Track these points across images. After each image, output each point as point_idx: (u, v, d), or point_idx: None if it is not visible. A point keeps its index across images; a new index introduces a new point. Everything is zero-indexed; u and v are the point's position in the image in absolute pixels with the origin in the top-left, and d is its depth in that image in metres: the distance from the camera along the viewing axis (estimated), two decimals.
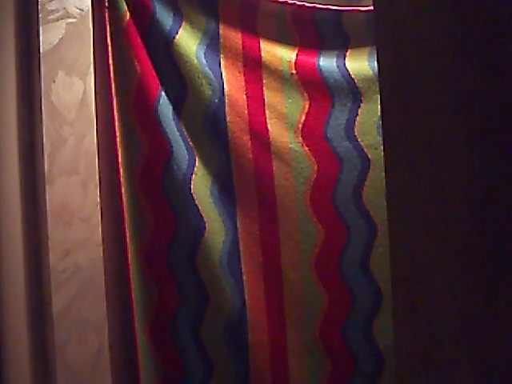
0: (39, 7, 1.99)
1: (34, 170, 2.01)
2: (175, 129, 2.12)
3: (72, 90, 2.04)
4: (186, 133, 2.14)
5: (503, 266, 0.84)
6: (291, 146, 2.25)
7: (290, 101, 2.27)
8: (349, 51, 2.36)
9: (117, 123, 2.06)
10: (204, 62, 2.17)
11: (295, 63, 2.29)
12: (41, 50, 1.99)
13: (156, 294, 2.09)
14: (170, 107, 2.12)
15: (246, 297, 2.17)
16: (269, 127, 2.24)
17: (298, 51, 2.30)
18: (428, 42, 0.94)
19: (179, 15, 2.16)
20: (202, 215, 2.11)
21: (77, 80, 2.05)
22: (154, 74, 2.10)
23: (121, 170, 2.06)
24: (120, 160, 2.06)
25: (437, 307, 0.93)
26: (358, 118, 2.33)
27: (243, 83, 2.23)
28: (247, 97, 2.23)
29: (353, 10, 2.38)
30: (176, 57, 2.13)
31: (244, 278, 2.18)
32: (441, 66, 0.92)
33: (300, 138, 2.26)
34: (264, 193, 2.23)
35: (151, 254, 2.09)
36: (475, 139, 0.87)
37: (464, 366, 0.89)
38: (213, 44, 2.20)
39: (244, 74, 2.24)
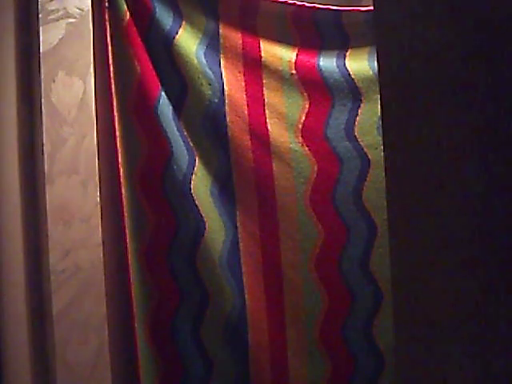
0: (39, 7, 1.99)
1: (34, 170, 2.01)
2: (175, 129, 2.12)
3: (72, 90, 2.04)
4: (185, 133, 2.14)
5: (503, 265, 0.84)
6: (291, 145, 2.25)
7: (289, 101, 2.28)
8: (349, 51, 2.36)
9: (117, 123, 2.06)
10: (204, 61, 2.17)
11: (295, 63, 2.29)
12: (41, 50, 1.99)
13: (156, 294, 2.09)
14: (170, 107, 2.12)
15: (246, 297, 2.17)
16: (269, 127, 2.24)
17: (298, 51, 2.30)
18: (428, 41, 0.94)
19: (179, 15, 2.16)
20: (202, 215, 2.11)
21: (77, 80, 2.05)
22: (154, 74, 2.10)
23: (121, 170, 2.06)
24: (120, 160, 2.06)
25: (437, 307, 0.93)
26: (357, 118, 2.33)
27: (243, 83, 2.23)
28: (247, 97, 2.23)
29: (353, 10, 2.38)
30: (176, 57, 2.13)
31: (244, 278, 2.18)
32: (441, 65, 0.92)
33: (300, 138, 2.26)
34: (264, 193, 2.23)
35: (151, 254, 2.09)
36: (476, 138, 0.87)
37: (464, 365, 0.89)
38: (213, 44, 2.20)
39: (244, 74, 2.24)
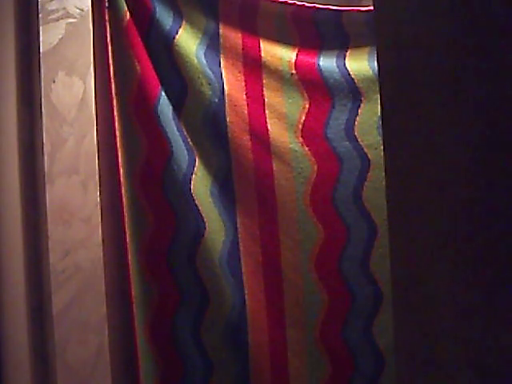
0: (39, 7, 1.99)
1: (34, 170, 2.01)
2: (175, 129, 2.12)
3: (72, 90, 2.04)
4: (185, 133, 2.14)
5: (503, 265, 0.84)
6: (291, 146, 2.25)
7: (290, 101, 2.28)
8: (349, 51, 2.36)
9: (117, 123, 2.06)
10: (204, 61, 2.17)
11: (295, 63, 2.29)
12: (41, 50, 1.99)
13: (156, 294, 2.09)
14: (170, 107, 2.12)
15: (246, 297, 2.17)
16: (269, 127, 2.24)
17: (298, 51, 2.30)
18: (428, 42, 0.94)
19: (179, 15, 2.16)
20: (202, 215, 2.11)
21: (77, 80, 2.05)
22: (154, 74, 2.10)
23: (121, 170, 2.06)
24: (120, 160, 2.06)
25: (436, 307, 0.93)
26: (357, 118, 2.33)
27: (243, 83, 2.23)
28: (247, 97, 2.23)
29: (353, 10, 2.38)
30: (176, 57, 2.13)
31: (244, 278, 2.18)
32: (441, 66, 0.92)
33: (300, 138, 2.26)
34: (264, 193, 2.23)
35: (151, 254, 2.09)
36: (475, 139, 0.87)
37: (464, 365, 0.89)
38: (213, 44, 2.20)
39: (244, 74, 2.24)
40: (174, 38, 2.13)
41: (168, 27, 2.13)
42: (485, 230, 0.86)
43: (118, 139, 2.06)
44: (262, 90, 2.25)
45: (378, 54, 1.06)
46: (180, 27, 2.15)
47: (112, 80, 2.06)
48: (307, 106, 2.29)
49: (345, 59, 2.35)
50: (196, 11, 2.19)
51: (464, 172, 0.89)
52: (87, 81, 2.06)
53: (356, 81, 2.34)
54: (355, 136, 2.32)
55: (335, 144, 2.29)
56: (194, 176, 2.12)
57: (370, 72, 2.33)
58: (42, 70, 2.00)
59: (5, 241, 1.97)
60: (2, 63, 2.00)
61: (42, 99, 1.99)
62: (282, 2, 2.30)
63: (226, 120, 2.19)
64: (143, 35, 2.10)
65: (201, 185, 2.14)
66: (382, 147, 1.05)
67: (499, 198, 0.85)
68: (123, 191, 2.06)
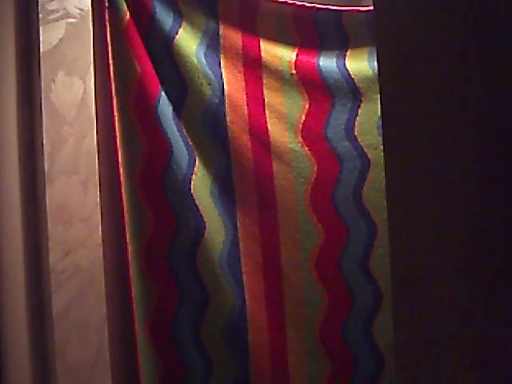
0: (39, 7, 1.99)
1: (34, 170, 2.01)
2: (175, 129, 2.12)
3: (72, 90, 2.04)
4: (185, 133, 2.14)
5: (503, 265, 0.85)
6: (291, 146, 2.25)
7: (289, 101, 2.28)
8: (349, 51, 2.36)
9: (117, 123, 2.06)
10: (204, 61, 2.17)
11: (295, 63, 2.29)
12: (41, 50, 1.99)
13: (156, 294, 2.09)
14: (170, 107, 2.13)
15: (246, 297, 2.17)
16: (269, 127, 2.24)
17: (298, 51, 2.30)
18: (428, 41, 0.94)
19: (179, 15, 2.16)
20: (202, 215, 2.11)
21: (77, 80, 2.05)
22: (154, 73, 2.10)
23: (121, 170, 2.06)
24: (120, 160, 2.06)
25: (437, 307, 0.93)
26: (357, 118, 2.33)
27: (243, 83, 2.23)
28: (247, 97, 2.23)
29: (353, 10, 2.38)
30: (176, 57, 2.13)
31: (244, 278, 2.18)
32: (441, 65, 0.92)
33: (300, 138, 2.27)
34: (264, 193, 2.23)
35: (151, 254, 2.09)
36: (475, 139, 0.87)
37: (464, 365, 0.89)
38: (213, 44, 2.21)
39: (244, 74, 2.24)
40: (174, 37, 2.13)
41: (168, 27, 2.13)
42: (485, 229, 0.86)
43: (118, 139, 2.06)
44: (262, 90, 2.26)
45: (377, 54, 1.06)
46: (180, 27, 2.15)
47: (112, 80, 2.06)
48: (307, 106, 2.29)
49: (345, 59, 2.35)
50: (196, 11, 2.19)
51: (464, 171, 0.89)
52: (87, 81, 2.06)
53: (356, 81, 2.34)
54: (355, 136, 2.32)
55: (335, 144, 2.29)
56: (193, 176, 2.12)
57: (370, 72, 2.33)
58: (42, 70, 2.00)
59: (5, 241, 1.97)
60: (2, 63, 2.00)
61: (42, 99, 1.99)
62: (281, 2, 2.30)
63: (226, 120, 2.19)
64: (143, 35, 2.10)
65: (201, 185, 2.14)
66: (381, 147, 1.05)
67: (500, 197, 0.85)
68: (123, 191, 2.06)
